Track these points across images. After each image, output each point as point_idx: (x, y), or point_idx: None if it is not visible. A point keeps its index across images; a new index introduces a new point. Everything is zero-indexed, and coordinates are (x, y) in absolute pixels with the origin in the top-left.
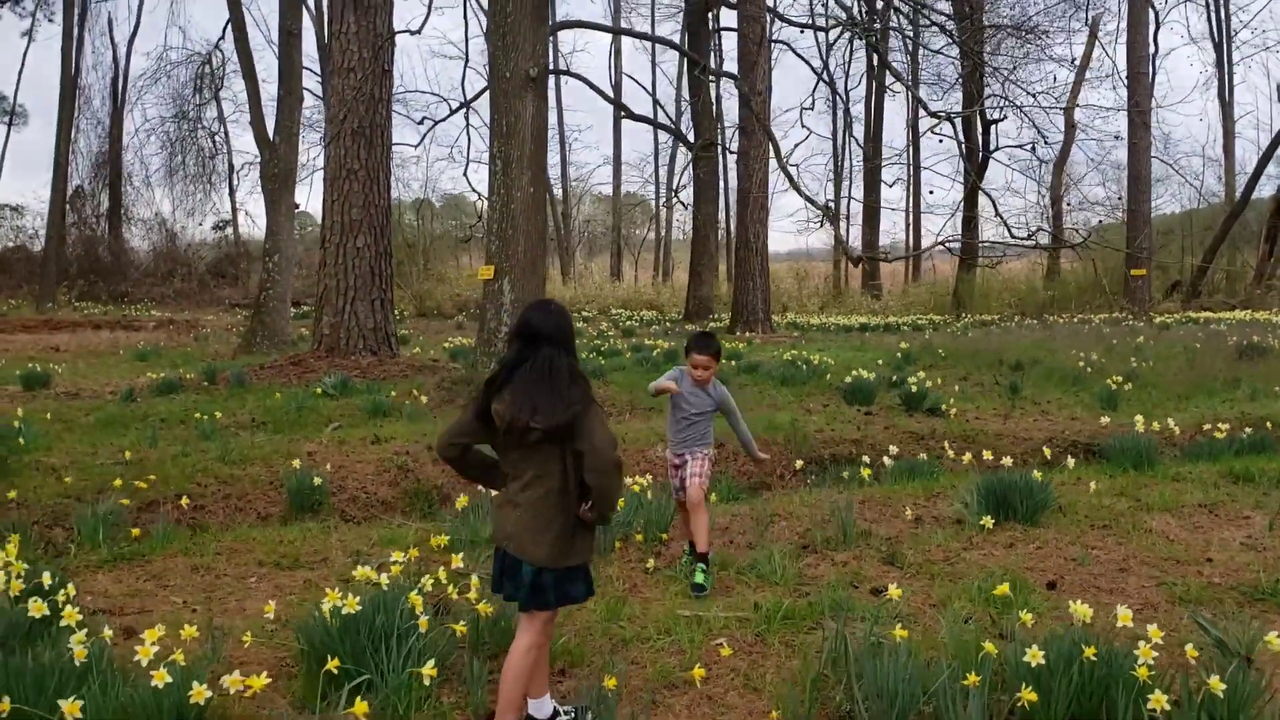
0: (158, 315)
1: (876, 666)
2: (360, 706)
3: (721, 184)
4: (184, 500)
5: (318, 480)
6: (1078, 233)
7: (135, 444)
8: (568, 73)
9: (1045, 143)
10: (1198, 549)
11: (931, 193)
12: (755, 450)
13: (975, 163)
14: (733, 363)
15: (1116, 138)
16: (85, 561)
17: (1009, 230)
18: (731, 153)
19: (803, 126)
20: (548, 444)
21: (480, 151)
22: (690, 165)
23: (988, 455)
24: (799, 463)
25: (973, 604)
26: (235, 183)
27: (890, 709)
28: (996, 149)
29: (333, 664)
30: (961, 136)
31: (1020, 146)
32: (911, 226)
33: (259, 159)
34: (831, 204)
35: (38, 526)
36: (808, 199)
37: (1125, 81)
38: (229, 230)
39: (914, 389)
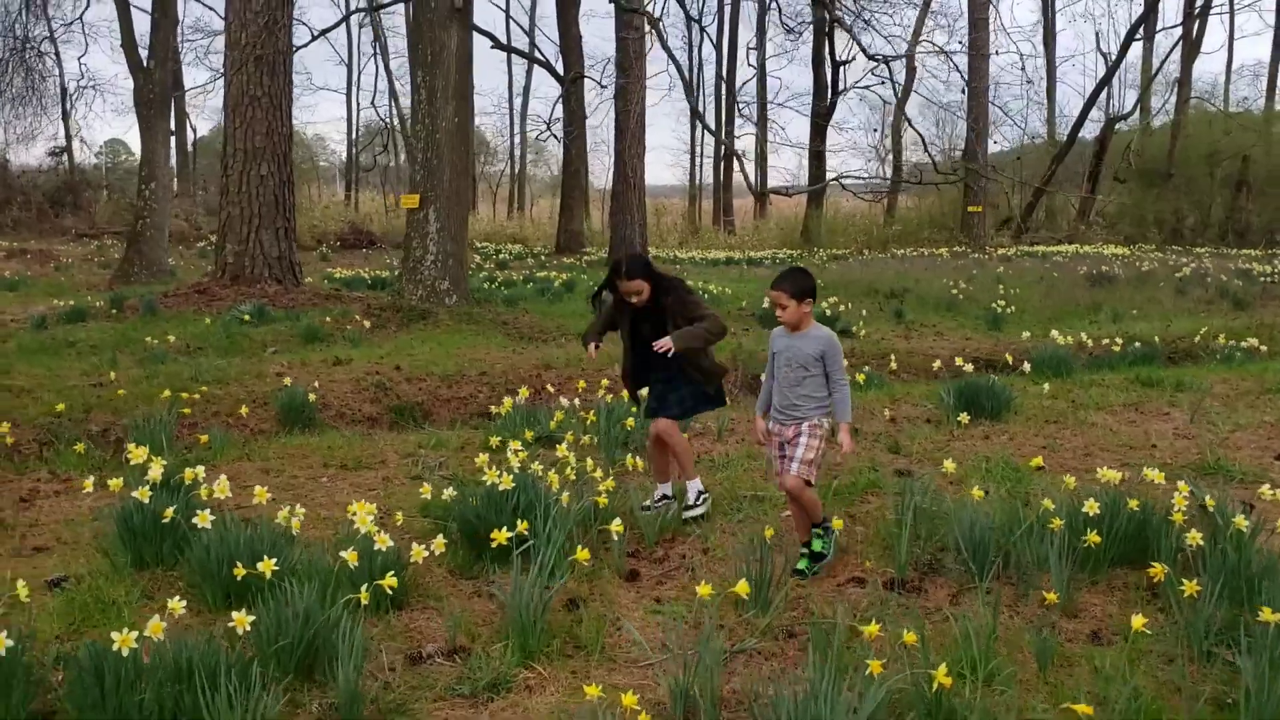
0: (5, 245)
1: (961, 519)
2: (582, 554)
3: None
4: (243, 409)
5: (312, 397)
6: (938, 170)
7: (96, 367)
8: None
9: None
10: (1140, 438)
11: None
12: (846, 422)
13: (825, 102)
14: None
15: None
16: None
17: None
18: (603, 86)
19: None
20: None
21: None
22: (560, 100)
23: (942, 364)
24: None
25: (982, 480)
26: (69, 107)
27: (979, 553)
28: (845, 89)
29: (523, 526)
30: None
31: (866, 87)
32: (758, 163)
33: (93, 83)
34: (735, 141)
35: (87, 438)
36: (715, 136)
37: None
38: (64, 157)
39: (827, 312)
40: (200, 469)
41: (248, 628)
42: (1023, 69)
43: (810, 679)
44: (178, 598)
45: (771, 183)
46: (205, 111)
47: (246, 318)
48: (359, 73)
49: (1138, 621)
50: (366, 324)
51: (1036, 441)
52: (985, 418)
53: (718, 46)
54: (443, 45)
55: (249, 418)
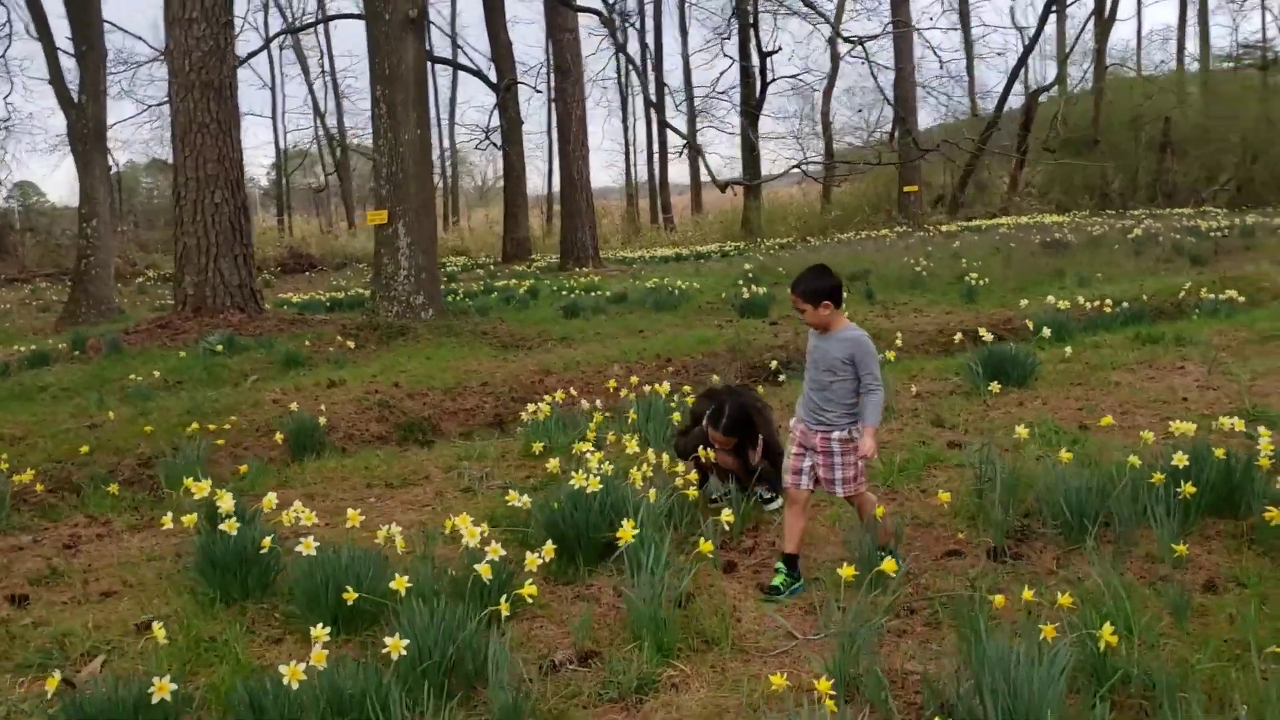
0: None
1: (1055, 482)
2: (706, 546)
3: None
4: (278, 436)
5: (323, 421)
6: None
7: (83, 409)
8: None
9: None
10: (1167, 393)
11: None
12: (872, 425)
13: (754, 92)
14: (594, 294)
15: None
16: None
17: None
18: (538, 91)
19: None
20: None
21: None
22: (497, 107)
23: (958, 337)
24: (774, 363)
25: (1037, 446)
26: None
27: (1079, 514)
28: (773, 79)
29: (629, 524)
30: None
31: (795, 76)
32: (692, 157)
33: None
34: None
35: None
36: (674, 130)
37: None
38: None
39: None
40: (273, 496)
41: (403, 651)
42: (1012, 48)
43: (1002, 650)
44: (321, 625)
45: (705, 176)
46: (129, 145)
47: (219, 348)
48: (284, 95)
49: None
50: (350, 345)
51: (1070, 404)
52: (1013, 385)
53: (641, 32)
54: (400, 57)
55: (255, 446)
